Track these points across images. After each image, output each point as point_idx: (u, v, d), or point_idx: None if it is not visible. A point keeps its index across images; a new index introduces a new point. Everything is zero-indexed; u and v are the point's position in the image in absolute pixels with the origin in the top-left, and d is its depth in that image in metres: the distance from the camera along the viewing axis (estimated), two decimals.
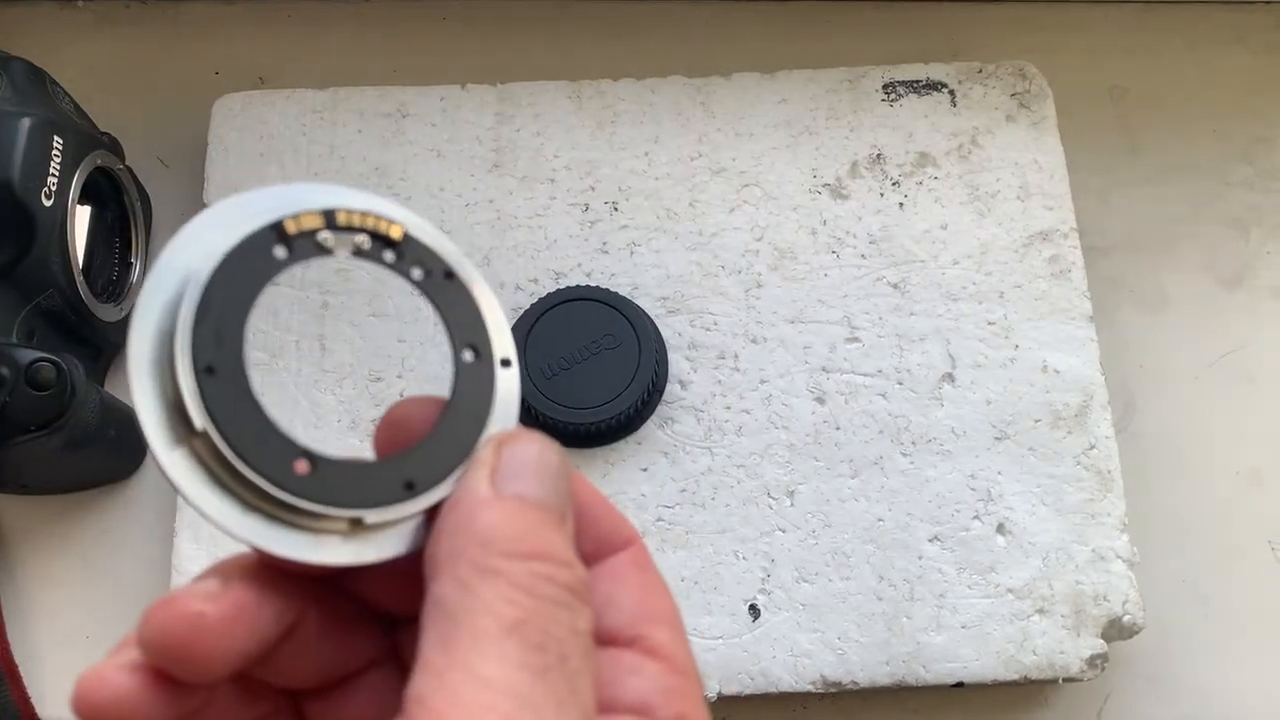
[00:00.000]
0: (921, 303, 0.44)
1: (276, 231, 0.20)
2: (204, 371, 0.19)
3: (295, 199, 0.21)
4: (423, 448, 0.21)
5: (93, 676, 0.19)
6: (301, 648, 0.21)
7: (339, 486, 0.20)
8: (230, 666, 0.19)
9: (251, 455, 0.19)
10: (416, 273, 0.22)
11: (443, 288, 0.22)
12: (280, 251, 0.20)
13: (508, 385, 0.22)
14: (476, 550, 0.19)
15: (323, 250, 0.21)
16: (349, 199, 0.21)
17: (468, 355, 0.21)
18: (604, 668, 0.20)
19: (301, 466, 0.19)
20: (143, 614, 0.19)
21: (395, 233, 0.21)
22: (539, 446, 0.21)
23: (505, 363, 0.22)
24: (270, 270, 0.20)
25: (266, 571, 0.20)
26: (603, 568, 0.22)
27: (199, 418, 0.19)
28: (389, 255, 0.21)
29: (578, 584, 0.20)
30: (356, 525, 0.20)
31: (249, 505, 0.19)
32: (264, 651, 0.20)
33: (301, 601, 0.21)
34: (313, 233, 0.21)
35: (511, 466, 0.21)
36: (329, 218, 0.21)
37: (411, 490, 0.20)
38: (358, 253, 0.21)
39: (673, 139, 0.47)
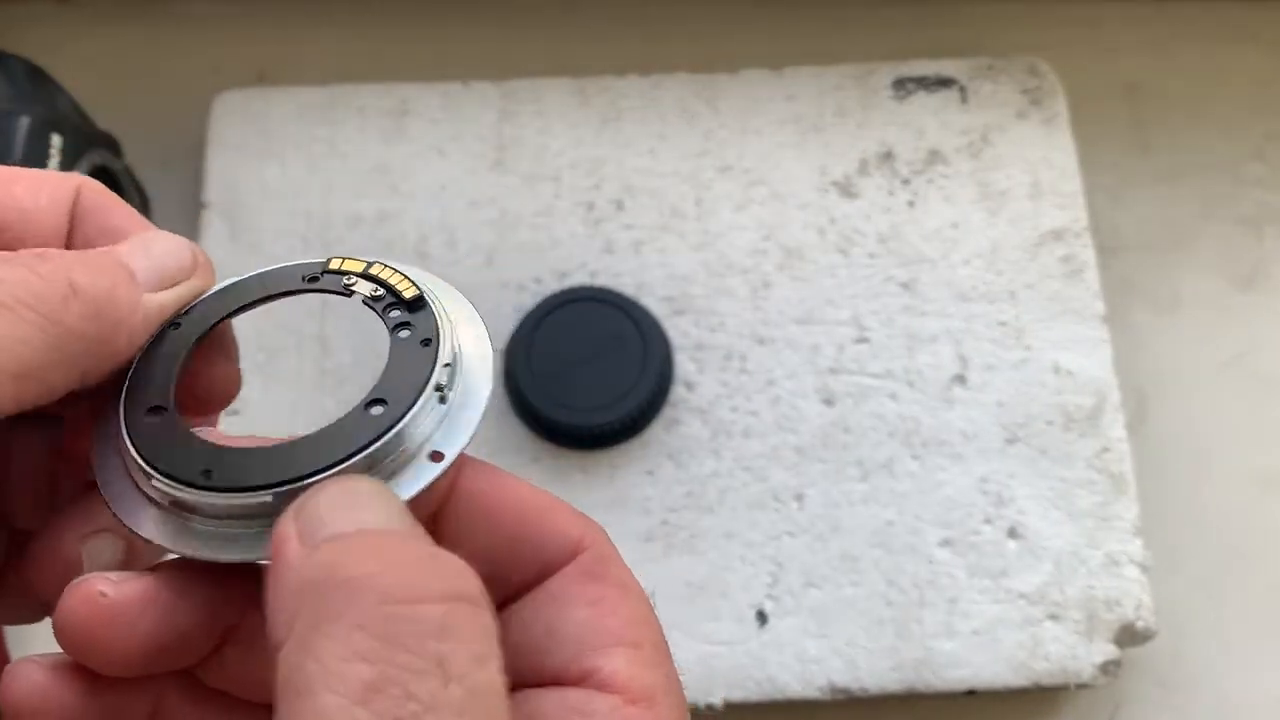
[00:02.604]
0: (932, 303, 0.43)
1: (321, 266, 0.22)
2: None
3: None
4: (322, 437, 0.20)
5: (9, 670, 0.19)
6: (250, 654, 0.20)
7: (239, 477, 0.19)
8: (141, 657, 0.19)
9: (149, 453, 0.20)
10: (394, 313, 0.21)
11: (405, 345, 0.21)
12: (310, 281, 0.22)
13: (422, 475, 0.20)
14: (301, 602, 0.16)
15: (343, 290, 0.22)
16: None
17: (375, 410, 0.20)
18: (547, 716, 0.18)
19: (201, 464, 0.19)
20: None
21: (409, 293, 0.21)
22: (348, 480, 0.18)
23: (434, 456, 0.20)
24: (288, 287, 0.22)
25: (195, 568, 0.20)
26: (543, 589, 0.19)
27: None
28: (395, 313, 0.21)
29: (462, 590, 0.16)
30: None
31: (158, 505, 0.20)
32: (190, 649, 0.19)
33: (242, 604, 0.20)
34: (343, 273, 0.22)
35: (320, 510, 0.17)
36: (368, 265, 0.22)
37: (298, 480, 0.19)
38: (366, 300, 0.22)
39: (679, 136, 0.46)
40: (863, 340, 0.43)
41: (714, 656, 0.39)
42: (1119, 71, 0.51)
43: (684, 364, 0.43)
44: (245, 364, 0.45)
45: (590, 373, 0.41)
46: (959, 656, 0.39)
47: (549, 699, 0.18)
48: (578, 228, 0.45)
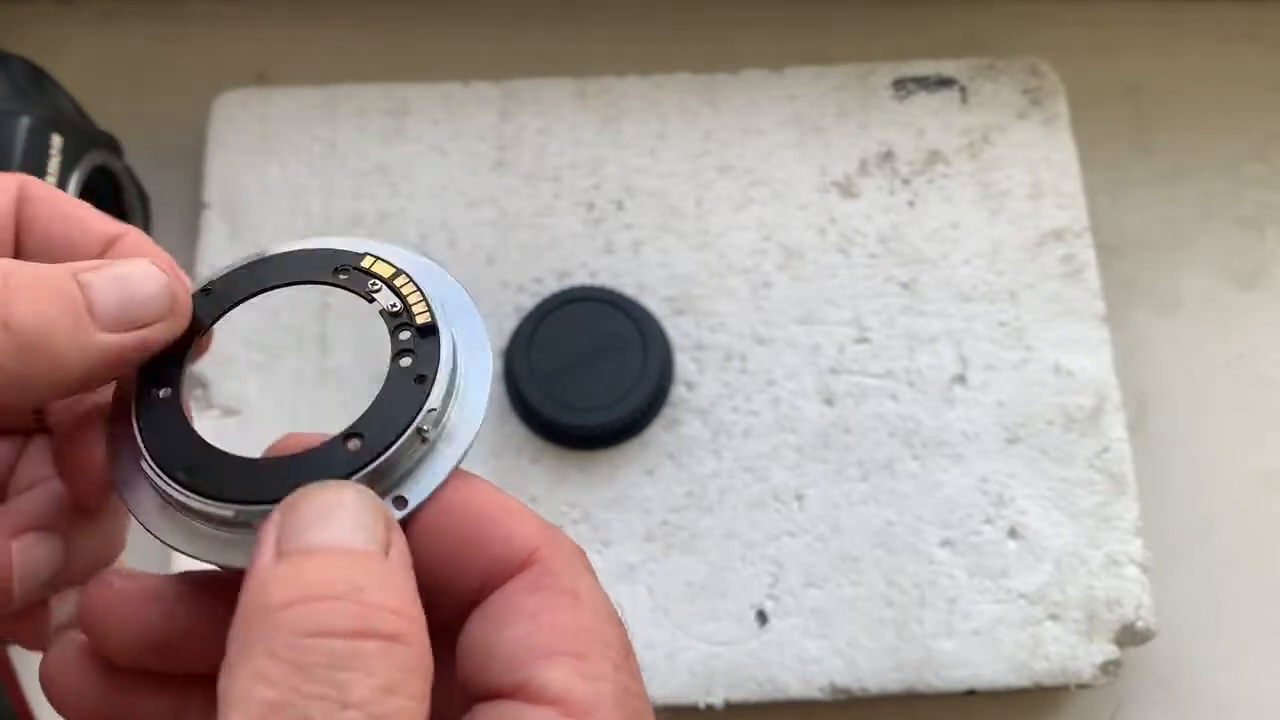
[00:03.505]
0: (932, 303, 0.43)
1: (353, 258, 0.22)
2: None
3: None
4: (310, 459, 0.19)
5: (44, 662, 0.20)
6: None
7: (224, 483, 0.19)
8: (145, 649, 0.19)
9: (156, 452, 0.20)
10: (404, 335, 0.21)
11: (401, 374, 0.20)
12: (340, 274, 0.22)
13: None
14: (241, 626, 0.16)
15: (365, 294, 0.21)
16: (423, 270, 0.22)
17: (352, 444, 0.19)
18: None
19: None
20: None
21: (423, 319, 0.21)
22: (336, 491, 0.18)
23: (398, 501, 0.19)
24: (318, 275, 0.22)
25: (211, 572, 0.20)
26: (490, 601, 0.19)
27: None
28: (404, 334, 0.21)
29: (375, 628, 0.16)
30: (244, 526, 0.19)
31: (169, 506, 0.20)
32: (201, 651, 0.20)
33: None
34: (372, 274, 0.22)
35: (303, 517, 0.17)
36: (396, 272, 0.22)
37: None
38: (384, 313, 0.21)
39: (679, 136, 0.46)
40: (863, 340, 0.43)
41: (714, 656, 0.39)
42: (1119, 71, 0.51)
43: (684, 364, 0.43)
44: (245, 364, 0.45)
45: (590, 373, 0.41)
46: (959, 656, 0.39)
47: (484, 713, 0.18)
48: (578, 228, 0.45)
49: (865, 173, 0.45)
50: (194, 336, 0.21)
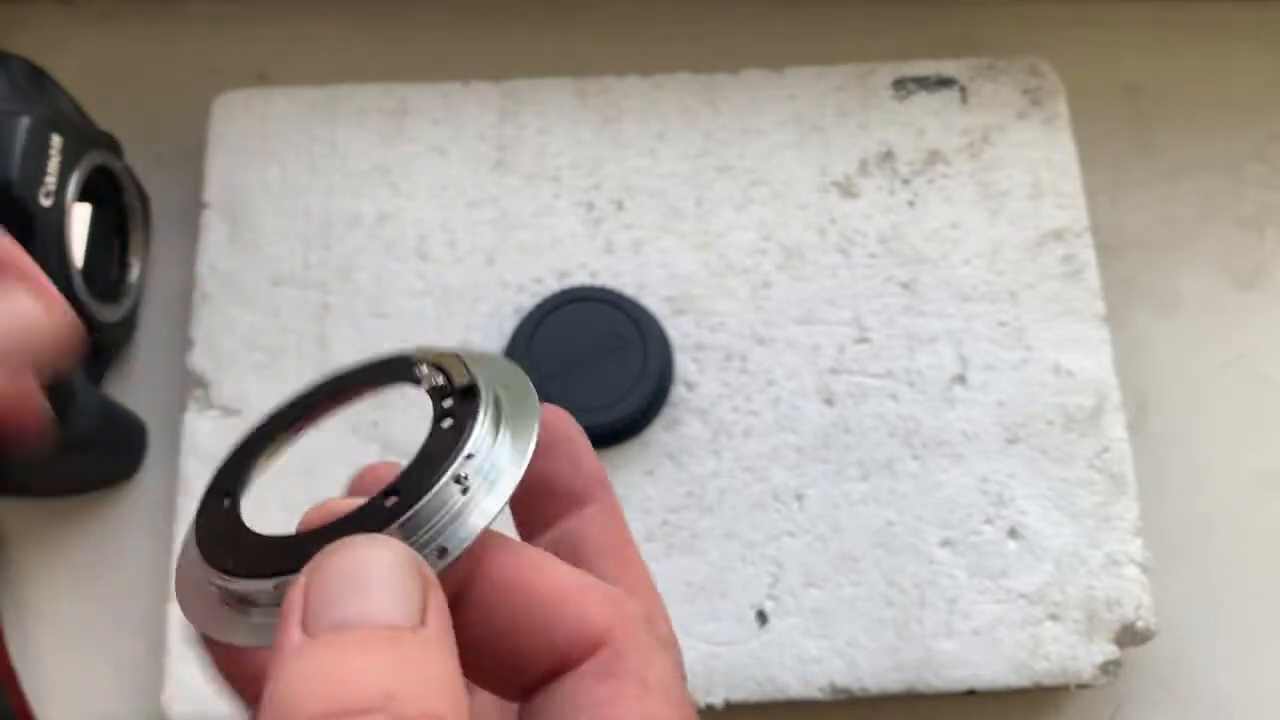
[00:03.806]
0: (932, 303, 0.43)
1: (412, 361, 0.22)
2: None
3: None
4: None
5: None
6: None
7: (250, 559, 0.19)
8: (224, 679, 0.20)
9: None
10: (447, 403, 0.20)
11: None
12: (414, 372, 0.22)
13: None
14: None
15: (414, 379, 0.21)
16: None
17: (390, 501, 0.19)
18: None
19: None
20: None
21: (462, 380, 0.21)
22: (367, 547, 0.17)
23: (438, 553, 0.18)
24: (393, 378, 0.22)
25: None
26: (557, 686, 0.18)
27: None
28: (446, 403, 0.20)
29: None
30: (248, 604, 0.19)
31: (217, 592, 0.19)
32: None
33: None
34: (416, 360, 0.22)
35: (330, 587, 0.16)
36: (439, 354, 0.21)
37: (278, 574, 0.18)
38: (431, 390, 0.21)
39: (679, 136, 0.46)
40: (863, 340, 0.43)
41: (714, 656, 0.39)
42: (1119, 71, 0.51)
43: (684, 364, 0.43)
44: (245, 364, 0.45)
45: (590, 373, 0.41)
46: (959, 656, 0.39)
47: None
48: (578, 228, 0.45)
49: (865, 173, 0.45)
50: (255, 450, 0.22)
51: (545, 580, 0.19)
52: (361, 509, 0.18)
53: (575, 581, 0.19)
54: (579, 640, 0.18)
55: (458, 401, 0.20)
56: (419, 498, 0.18)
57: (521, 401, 0.21)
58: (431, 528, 0.18)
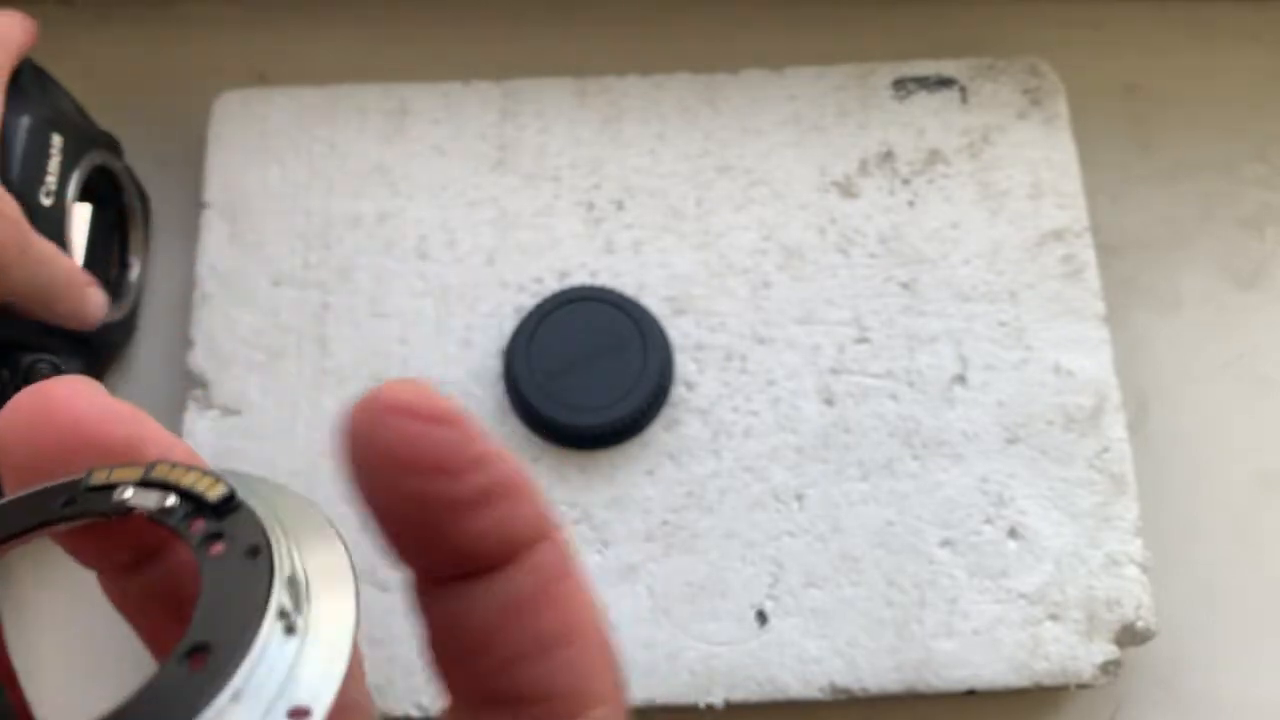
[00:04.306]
0: (932, 303, 0.43)
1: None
2: None
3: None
4: None
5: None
6: None
7: None
8: None
9: None
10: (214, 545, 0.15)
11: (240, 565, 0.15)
12: (66, 507, 0.16)
13: None
14: None
15: (113, 509, 0.16)
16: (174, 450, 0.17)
17: (196, 661, 0.14)
18: None
19: None
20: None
21: (215, 492, 0.16)
22: None
23: (295, 714, 0.14)
24: (36, 520, 0.16)
25: None
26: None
27: None
28: (198, 525, 0.16)
29: None
30: None
31: None
32: None
33: None
34: (110, 485, 0.16)
35: None
36: (148, 466, 0.16)
37: None
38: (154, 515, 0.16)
39: (679, 136, 0.46)
40: (863, 340, 0.43)
41: (714, 656, 0.39)
42: (1119, 71, 0.51)
43: (684, 364, 0.43)
44: (245, 364, 0.45)
45: (590, 373, 0.41)
46: (959, 656, 0.39)
47: None
48: (578, 228, 0.45)
49: (865, 173, 0.45)
50: None
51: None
52: (163, 675, 0.14)
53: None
54: None
55: (214, 519, 0.16)
56: (242, 652, 0.14)
57: (280, 495, 0.16)
58: (272, 684, 0.14)
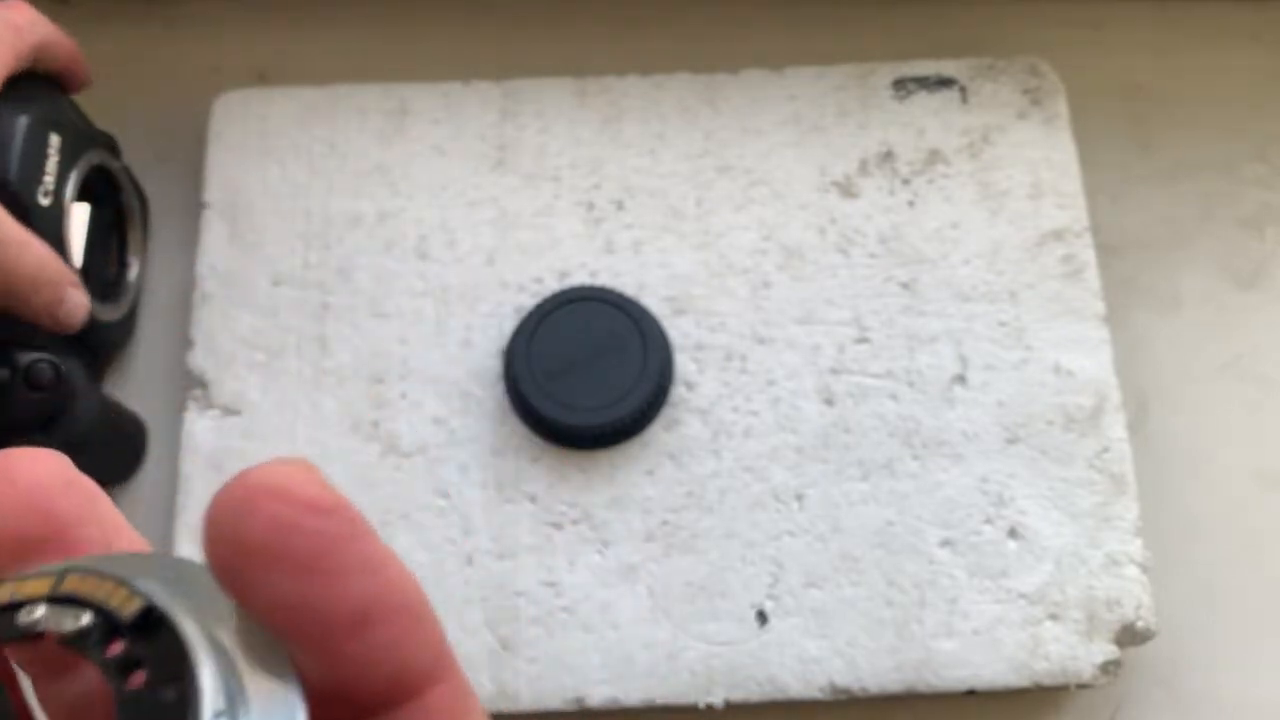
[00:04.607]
0: (932, 303, 0.43)
1: None
2: None
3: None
4: None
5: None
6: None
7: None
8: None
9: None
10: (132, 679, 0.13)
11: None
12: None
13: None
14: None
15: (21, 634, 0.14)
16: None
17: None
18: None
19: None
20: None
21: (129, 608, 0.14)
22: None
23: None
24: None
25: None
26: None
27: None
28: (115, 649, 0.14)
29: None
30: None
31: None
32: None
33: None
34: (19, 604, 0.14)
35: None
36: (59, 577, 0.14)
37: None
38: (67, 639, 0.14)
39: (679, 136, 0.46)
40: (863, 340, 0.43)
41: (714, 656, 0.39)
42: (1119, 71, 0.51)
43: (684, 364, 0.43)
44: (245, 364, 0.45)
45: (590, 373, 0.41)
46: (959, 656, 0.39)
47: None
48: (578, 227, 0.45)
49: (865, 173, 0.45)
50: None
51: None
52: None
53: None
54: None
55: (135, 642, 0.13)
56: None
57: (218, 594, 0.14)
58: None
